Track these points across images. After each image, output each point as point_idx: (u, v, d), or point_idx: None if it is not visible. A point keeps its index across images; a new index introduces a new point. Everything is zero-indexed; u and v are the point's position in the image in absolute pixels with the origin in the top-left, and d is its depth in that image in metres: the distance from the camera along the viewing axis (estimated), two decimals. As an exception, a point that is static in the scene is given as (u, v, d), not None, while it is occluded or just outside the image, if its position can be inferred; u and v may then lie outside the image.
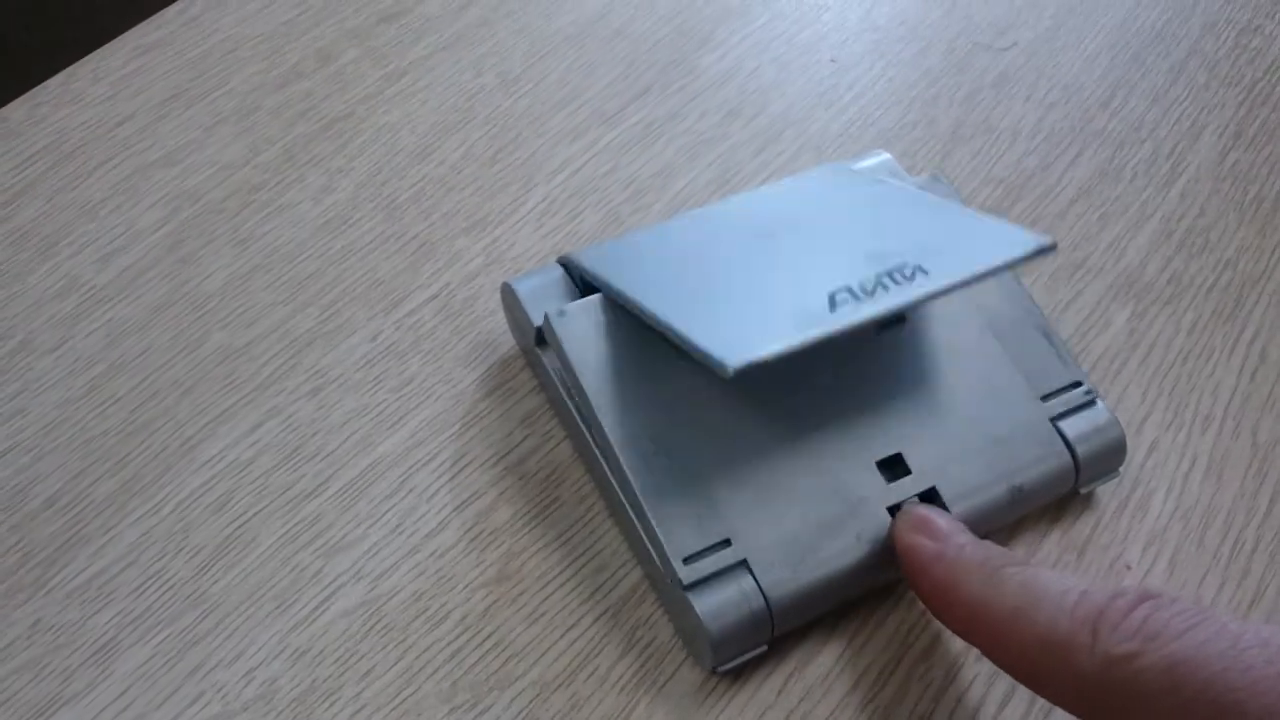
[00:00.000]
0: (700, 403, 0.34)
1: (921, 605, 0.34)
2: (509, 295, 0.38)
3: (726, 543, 0.32)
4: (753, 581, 0.32)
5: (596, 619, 0.35)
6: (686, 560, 0.32)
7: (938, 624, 0.34)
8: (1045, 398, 0.36)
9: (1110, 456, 0.37)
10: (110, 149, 0.45)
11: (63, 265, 0.42)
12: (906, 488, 0.34)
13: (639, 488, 0.33)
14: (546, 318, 0.35)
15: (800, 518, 0.33)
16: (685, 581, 0.32)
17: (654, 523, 0.32)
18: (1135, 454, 0.39)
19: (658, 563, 0.33)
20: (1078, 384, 0.37)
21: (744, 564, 0.32)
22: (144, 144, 0.45)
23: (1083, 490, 0.37)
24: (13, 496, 0.37)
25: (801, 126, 0.48)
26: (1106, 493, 0.38)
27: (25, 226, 0.43)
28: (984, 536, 0.32)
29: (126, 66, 0.48)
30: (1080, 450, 0.36)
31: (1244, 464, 0.39)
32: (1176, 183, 0.47)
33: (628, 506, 0.34)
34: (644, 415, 0.34)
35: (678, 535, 0.32)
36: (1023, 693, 0.34)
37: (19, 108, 0.46)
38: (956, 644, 0.35)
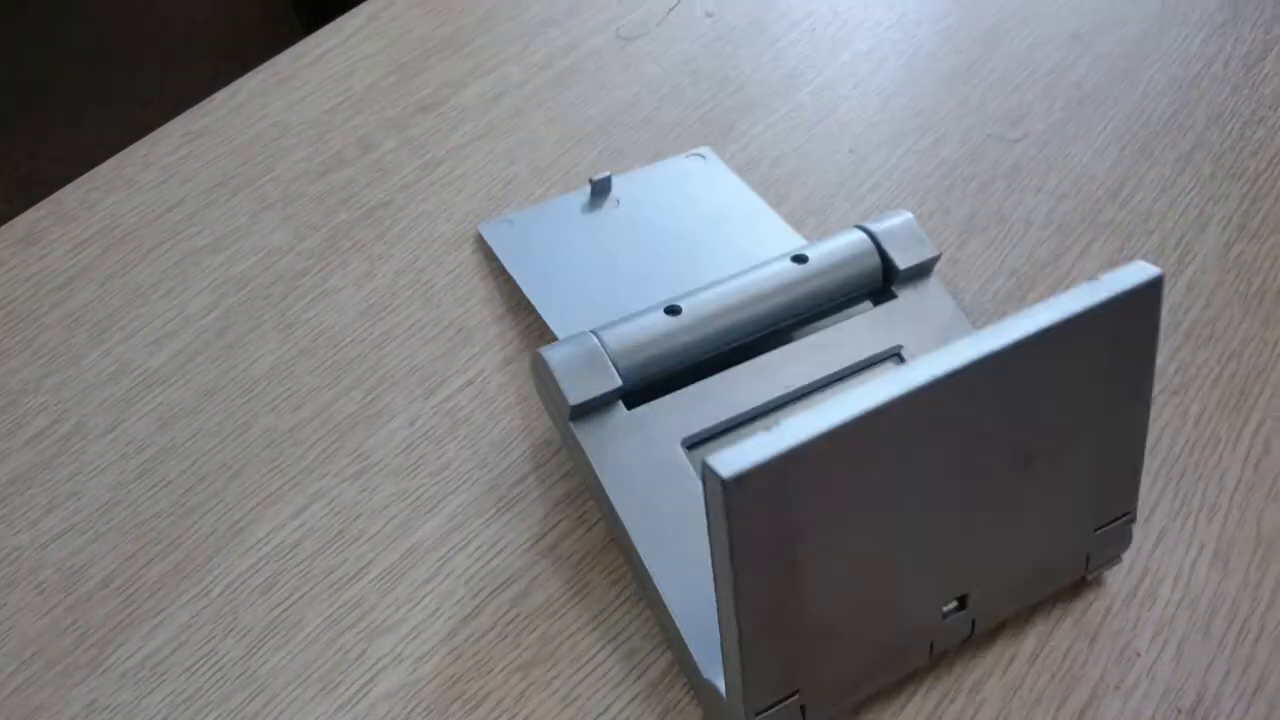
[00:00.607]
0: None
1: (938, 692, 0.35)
2: (540, 366, 0.39)
3: (794, 692, 0.33)
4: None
5: (629, 702, 0.36)
6: (757, 713, 0.33)
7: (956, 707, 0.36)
8: (1099, 529, 0.37)
9: (1119, 543, 0.38)
10: (160, 234, 0.47)
11: (115, 349, 0.44)
12: (960, 622, 0.35)
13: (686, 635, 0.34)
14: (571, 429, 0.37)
15: (860, 656, 0.34)
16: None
17: (734, 666, 0.32)
18: (1144, 542, 0.40)
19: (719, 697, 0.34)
20: (1127, 512, 0.38)
21: (801, 708, 0.33)
22: (193, 230, 0.47)
23: (1089, 576, 0.39)
24: (69, 577, 0.38)
25: (822, 215, 0.50)
26: (1116, 581, 0.40)
27: (78, 311, 0.45)
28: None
29: (176, 153, 0.50)
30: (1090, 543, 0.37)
31: (1249, 553, 0.41)
32: (1184, 274, 0.49)
33: (670, 617, 0.35)
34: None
35: (751, 685, 0.32)
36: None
37: (73, 192, 0.48)
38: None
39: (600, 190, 0.47)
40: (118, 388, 0.43)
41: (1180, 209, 0.51)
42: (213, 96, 0.52)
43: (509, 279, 0.46)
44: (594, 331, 0.39)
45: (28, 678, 0.36)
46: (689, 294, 0.40)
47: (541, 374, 0.39)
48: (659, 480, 0.37)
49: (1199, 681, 0.38)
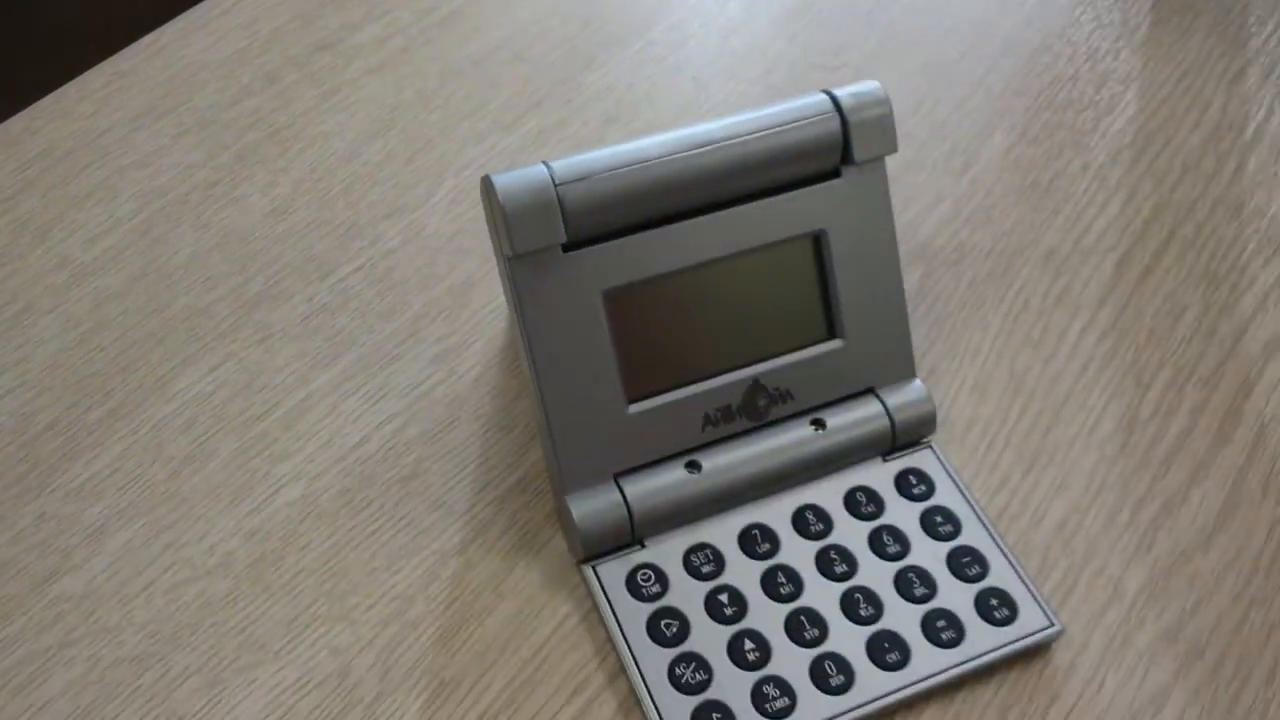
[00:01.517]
0: None
1: None
2: (491, 197, 0.40)
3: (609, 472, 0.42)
4: None
5: (489, 504, 0.45)
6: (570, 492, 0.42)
7: None
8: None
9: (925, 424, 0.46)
10: (93, 155, 0.55)
11: (56, 247, 0.51)
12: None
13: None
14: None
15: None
16: None
17: (549, 445, 0.41)
18: (920, 375, 0.49)
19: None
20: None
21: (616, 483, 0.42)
22: (121, 150, 0.55)
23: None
24: (20, 421, 0.46)
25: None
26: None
27: (24, 217, 0.52)
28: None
29: (107, 88, 0.57)
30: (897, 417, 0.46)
31: (1002, 386, 0.50)
32: (969, 171, 0.58)
33: (548, 430, 0.42)
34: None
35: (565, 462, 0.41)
36: None
37: (17, 122, 0.56)
38: None
39: None
40: (59, 277, 0.50)
41: (970, 121, 0.60)
42: (138, 41, 0.60)
43: (396, 186, 0.55)
44: (549, 170, 0.41)
45: (-12, 498, 0.44)
46: (657, 140, 0.42)
47: (492, 203, 0.41)
48: (574, 322, 0.42)
49: (971, 464, 0.47)
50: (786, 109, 0.43)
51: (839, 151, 0.44)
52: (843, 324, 0.45)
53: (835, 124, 0.43)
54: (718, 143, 0.42)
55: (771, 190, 0.44)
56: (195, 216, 0.53)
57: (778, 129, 0.43)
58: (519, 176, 0.40)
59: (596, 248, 0.41)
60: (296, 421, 0.47)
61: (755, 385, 0.45)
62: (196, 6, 0.61)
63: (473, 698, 0.40)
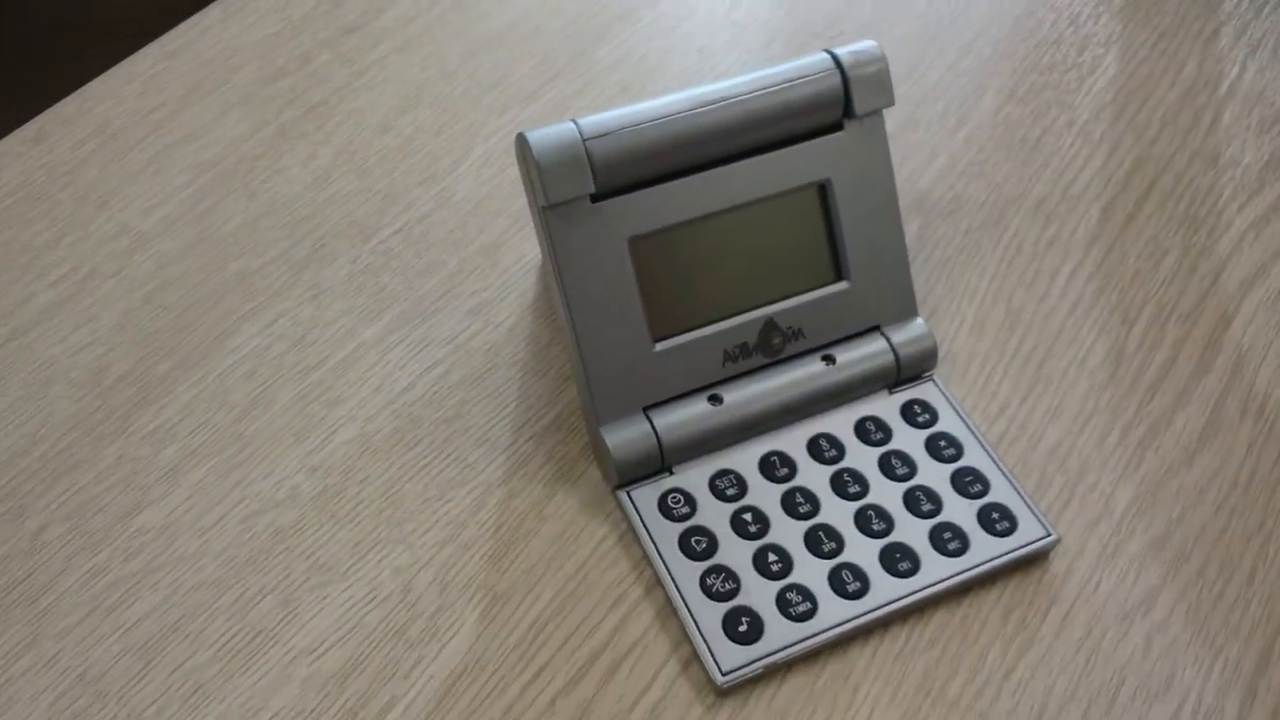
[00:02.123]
0: None
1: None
2: (525, 151, 0.44)
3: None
4: None
5: (528, 440, 0.49)
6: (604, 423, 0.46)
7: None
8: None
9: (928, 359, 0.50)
10: (145, 131, 0.58)
11: (115, 216, 0.55)
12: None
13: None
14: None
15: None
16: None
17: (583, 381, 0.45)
18: (922, 315, 0.53)
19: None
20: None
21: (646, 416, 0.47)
22: (171, 126, 0.59)
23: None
24: (94, 374, 0.50)
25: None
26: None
27: (84, 190, 0.56)
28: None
29: (153, 69, 0.61)
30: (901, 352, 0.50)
31: (998, 323, 0.54)
32: (962, 130, 0.62)
33: (582, 368, 0.46)
34: None
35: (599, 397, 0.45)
36: None
37: (70, 103, 0.59)
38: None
39: None
40: (120, 244, 0.54)
41: (962, 82, 0.64)
42: (180, 25, 0.63)
43: (427, 156, 0.58)
44: (578, 126, 0.44)
45: (70, 442, 0.48)
46: (680, 97, 0.45)
47: (526, 158, 0.44)
48: (602, 267, 0.46)
49: (971, 391, 0.51)
50: (792, 67, 0.47)
51: (840, 106, 0.48)
52: (848, 266, 0.49)
53: (837, 80, 0.47)
54: (730, 99, 0.46)
55: (779, 143, 0.48)
56: (244, 186, 0.56)
57: (784, 85, 0.46)
58: (551, 133, 0.44)
59: (622, 198, 0.45)
60: (348, 370, 0.50)
61: (769, 324, 0.48)
62: (231, -7, 0.65)
63: (524, 609, 0.44)
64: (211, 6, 0.64)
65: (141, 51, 0.62)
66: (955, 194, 0.59)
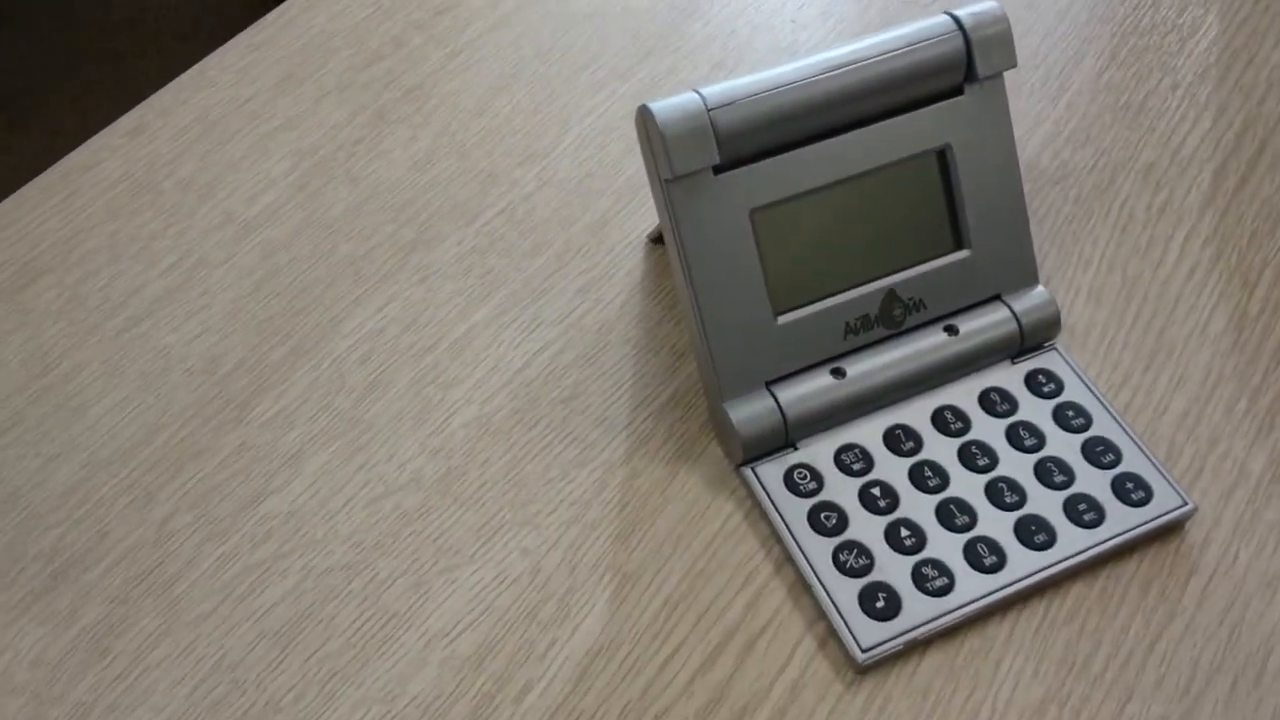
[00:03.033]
0: None
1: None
2: (649, 123, 0.43)
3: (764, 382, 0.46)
4: None
5: (646, 419, 0.48)
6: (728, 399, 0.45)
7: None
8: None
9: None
10: (242, 120, 0.58)
11: (220, 204, 0.55)
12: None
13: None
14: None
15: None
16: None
17: (705, 357, 0.45)
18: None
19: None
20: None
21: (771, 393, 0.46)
22: (267, 114, 0.59)
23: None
24: (210, 363, 0.50)
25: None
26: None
27: (187, 179, 0.56)
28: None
29: (243, 60, 0.61)
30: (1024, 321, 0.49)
31: (1115, 291, 0.52)
32: (1064, 96, 0.60)
33: (706, 346, 0.45)
34: None
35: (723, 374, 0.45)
36: None
37: (164, 95, 0.59)
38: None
39: None
40: (226, 232, 0.54)
41: (1061, 48, 0.63)
42: (264, 17, 0.63)
43: (527, 135, 0.58)
44: (702, 97, 0.44)
45: (190, 431, 0.48)
46: (801, 63, 0.44)
47: (649, 130, 0.44)
48: (724, 239, 0.45)
49: (1095, 361, 0.50)
50: (913, 30, 0.46)
51: (963, 69, 0.47)
52: (969, 234, 0.48)
53: (959, 42, 0.46)
54: (852, 64, 0.45)
55: (899, 109, 0.47)
56: (345, 172, 0.56)
57: (906, 49, 0.46)
58: (674, 104, 0.43)
59: (744, 169, 0.45)
60: (462, 351, 0.50)
61: (891, 295, 0.48)
62: (318, -21, 0.65)
63: (654, 588, 0.44)
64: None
65: (227, 45, 0.61)
66: (1062, 161, 0.57)
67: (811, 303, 0.47)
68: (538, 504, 0.46)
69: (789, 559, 0.44)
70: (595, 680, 0.42)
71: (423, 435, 0.48)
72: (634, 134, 0.59)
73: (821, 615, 0.43)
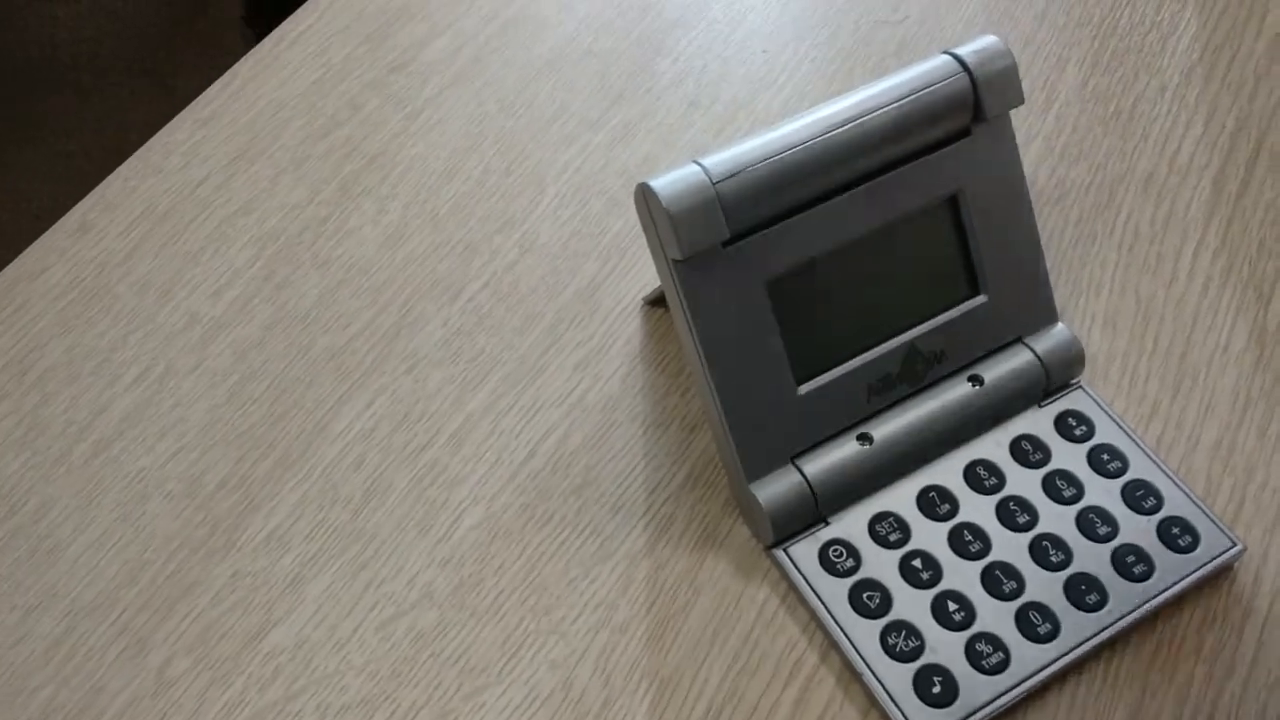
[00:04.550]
0: None
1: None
2: (652, 202, 0.40)
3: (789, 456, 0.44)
4: None
5: (665, 502, 0.45)
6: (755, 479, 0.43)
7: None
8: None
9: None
10: (196, 207, 0.55)
11: (182, 304, 0.51)
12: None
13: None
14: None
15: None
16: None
17: (726, 438, 0.42)
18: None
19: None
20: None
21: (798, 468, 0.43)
22: (222, 199, 0.55)
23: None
24: (190, 485, 0.46)
25: (750, 108, 0.58)
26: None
27: (143, 278, 0.52)
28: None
29: (191, 138, 0.57)
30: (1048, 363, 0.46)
31: (1131, 315, 0.50)
32: (1052, 109, 0.58)
33: (723, 428, 0.42)
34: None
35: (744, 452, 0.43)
36: None
37: (111, 184, 0.55)
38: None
39: None
40: (192, 334, 0.50)
41: (1042, 57, 0.61)
42: (210, 88, 0.59)
43: (502, 199, 0.55)
44: (704, 169, 0.41)
45: (179, 563, 0.44)
46: (798, 122, 0.42)
47: (652, 209, 0.41)
48: (739, 314, 0.42)
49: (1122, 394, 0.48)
50: (915, 75, 0.43)
51: (970, 111, 0.44)
52: (985, 279, 0.46)
53: (965, 83, 0.44)
54: (857, 118, 0.42)
55: (907, 157, 0.44)
56: (313, 256, 0.53)
57: (911, 96, 0.43)
58: (677, 180, 0.40)
59: (754, 239, 0.42)
60: (461, 445, 0.47)
61: (911, 350, 0.45)
62: (260, 44, 0.61)
63: (695, 692, 0.41)
64: (243, 60, 0.60)
65: (175, 120, 0.58)
66: (1059, 179, 0.55)
67: (832, 367, 0.44)
68: (562, 609, 0.43)
69: (834, 645, 0.42)
70: (644, 800, 0.39)
71: (430, 544, 0.45)
72: (613, 188, 0.56)
73: (875, 704, 0.41)
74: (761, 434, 0.43)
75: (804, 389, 0.44)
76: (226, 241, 0.53)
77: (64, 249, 0.53)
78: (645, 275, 0.52)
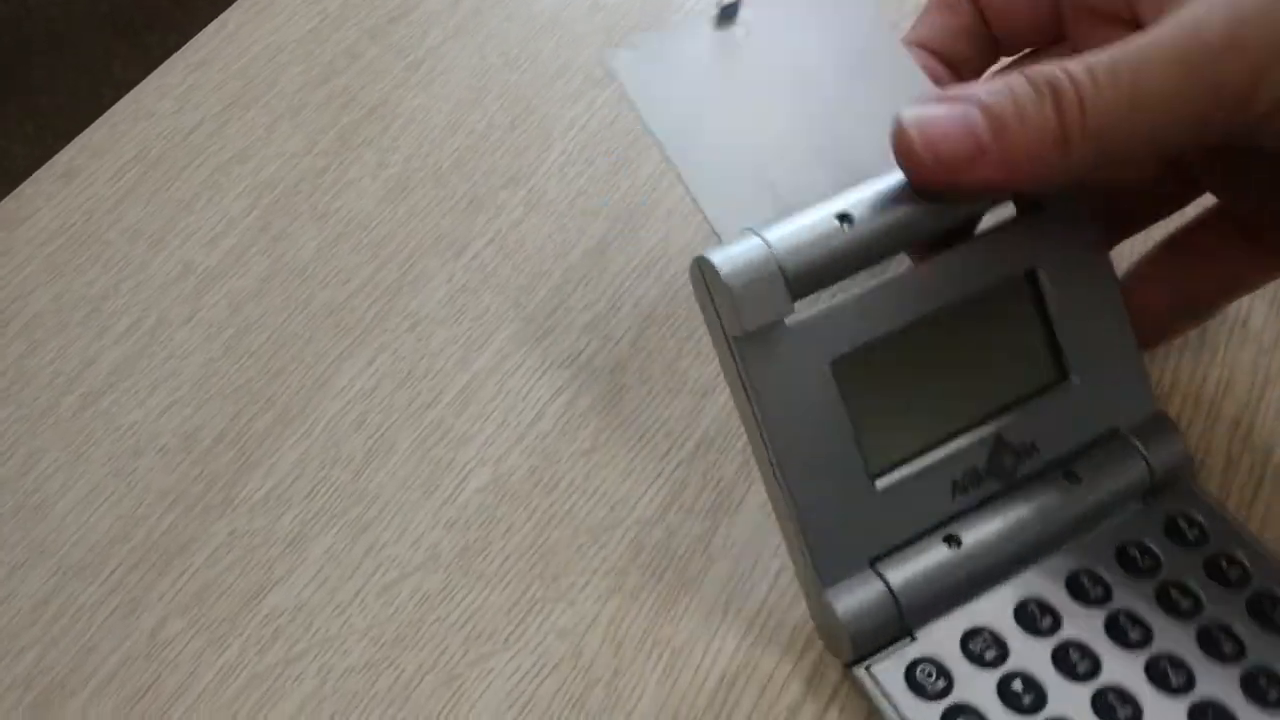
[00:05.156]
0: None
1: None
2: (710, 277, 0.37)
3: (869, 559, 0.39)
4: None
5: (677, 466, 0.44)
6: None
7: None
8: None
9: None
10: (189, 154, 0.53)
11: (175, 253, 0.49)
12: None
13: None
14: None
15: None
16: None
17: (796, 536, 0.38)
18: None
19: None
20: None
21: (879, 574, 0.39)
22: (216, 146, 0.53)
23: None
24: (185, 440, 0.45)
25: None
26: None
27: (134, 226, 0.50)
28: None
29: (184, 83, 0.55)
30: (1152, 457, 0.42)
31: (1211, 391, 0.50)
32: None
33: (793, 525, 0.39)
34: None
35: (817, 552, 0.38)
36: None
37: (100, 128, 0.53)
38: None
39: (728, 15, 0.43)
40: (186, 284, 0.49)
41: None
42: (203, 31, 0.57)
43: (507, 154, 0.53)
44: (765, 241, 0.38)
45: (173, 520, 0.43)
46: (858, 194, 0.39)
47: (711, 285, 0.38)
48: (806, 397, 0.38)
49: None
50: None
51: None
52: (1071, 362, 0.42)
53: None
54: None
55: (977, 229, 0.41)
56: (311, 207, 0.51)
57: None
58: (736, 254, 0.37)
59: (818, 314, 0.38)
60: (467, 405, 0.46)
61: (998, 441, 0.41)
62: (255, -13, 0.59)
63: (709, 661, 0.40)
64: (232, 8, 0.58)
65: (167, 63, 0.55)
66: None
67: (911, 460, 0.40)
68: (571, 575, 0.42)
69: None
70: (657, 770, 0.38)
71: (435, 506, 0.43)
72: (620, 147, 0.54)
73: (892, 677, 0.40)
74: (837, 534, 0.39)
75: (881, 483, 0.40)
76: (221, 190, 0.51)
77: (50, 194, 0.51)
78: (655, 236, 0.51)
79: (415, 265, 0.50)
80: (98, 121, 0.53)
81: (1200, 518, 0.42)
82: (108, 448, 0.44)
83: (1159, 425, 0.43)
